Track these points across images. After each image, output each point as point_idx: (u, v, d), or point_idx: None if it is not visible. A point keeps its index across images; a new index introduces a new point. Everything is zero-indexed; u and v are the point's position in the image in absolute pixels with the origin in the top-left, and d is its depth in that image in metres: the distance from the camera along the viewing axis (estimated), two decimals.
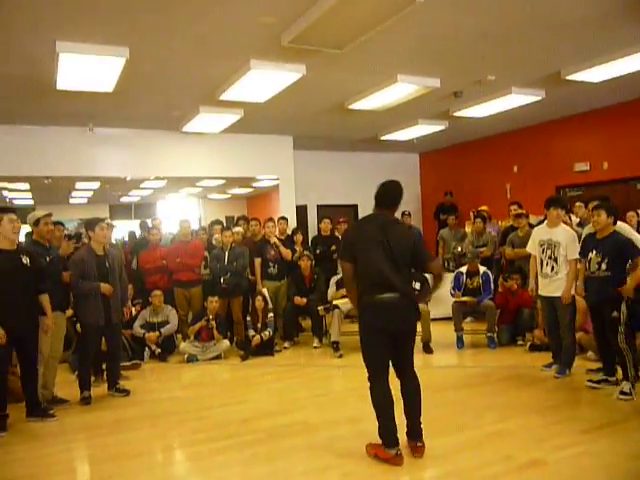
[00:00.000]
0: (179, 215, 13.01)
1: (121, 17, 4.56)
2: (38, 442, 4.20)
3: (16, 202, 15.71)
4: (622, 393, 4.54)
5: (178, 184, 13.29)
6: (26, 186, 12.06)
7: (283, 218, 8.24)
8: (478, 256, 7.32)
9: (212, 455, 3.81)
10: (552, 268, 5.28)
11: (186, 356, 6.65)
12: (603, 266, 4.63)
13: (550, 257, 5.29)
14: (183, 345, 6.78)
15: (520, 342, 6.71)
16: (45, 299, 4.67)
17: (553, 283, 5.28)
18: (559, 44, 5.74)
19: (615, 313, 4.59)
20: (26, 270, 4.48)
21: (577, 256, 5.15)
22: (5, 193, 13.55)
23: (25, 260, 4.50)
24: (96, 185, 12.41)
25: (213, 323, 6.73)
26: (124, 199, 16.85)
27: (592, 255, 4.73)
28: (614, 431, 3.94)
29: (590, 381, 4.90)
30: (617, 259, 4.61)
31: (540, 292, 5.45)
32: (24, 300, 4.46)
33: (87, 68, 5.35)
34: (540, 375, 5.44)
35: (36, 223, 5.09)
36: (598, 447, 3.67)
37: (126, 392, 5.35)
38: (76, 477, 3.86)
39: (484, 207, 9.19)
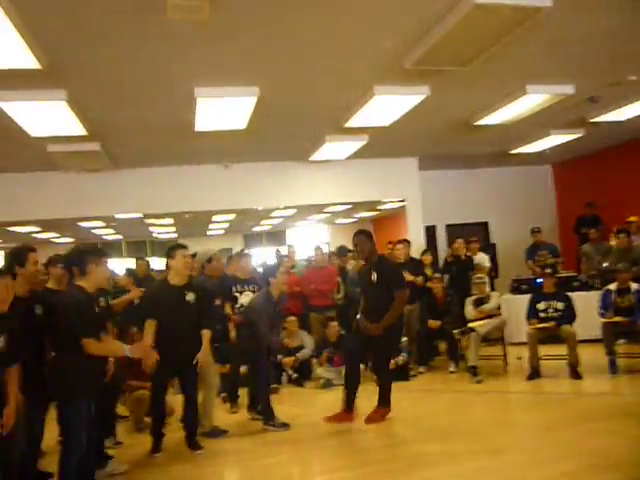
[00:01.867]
0: (308, 241, 13.41)
1: (252, 61, 4.85)
2: (189, 464, 4.44)
3: (161, 236, 17.11)
4: None
5: (306, 211, 13.71)
6: (170, 221, 13.10)
7: (406, 241, 8.15)
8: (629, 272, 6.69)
9: None
10: None
11: (322, 381, 6.73)
12: None
13: None
14: (319, 370, 6.88)
15: None
16: (206, 334, 4.73)
17: None
18: None
19: None
20: (190, 306, 4.62)
21: None
22: (151, 229, 14.79)
23: (190, 297, 4.63)
24: (231, 217, 13.17)
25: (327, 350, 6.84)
26: (256, 228, 17.69)
27: None
28: None
29: None
30: None
31: None
32: (186, 335, 4.59)
33: (222, 109, 5.72)
34: None
35: (209, 260, 5.45)
36: None
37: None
38: None
39: (634, 218, 8.40)
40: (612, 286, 6.52)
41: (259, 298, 5.43)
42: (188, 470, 4.31)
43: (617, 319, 6.21)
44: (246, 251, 7.38)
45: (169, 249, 4.73)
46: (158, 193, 8.78)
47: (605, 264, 7.75)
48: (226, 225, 15.58)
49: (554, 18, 4.41)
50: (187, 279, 4.73)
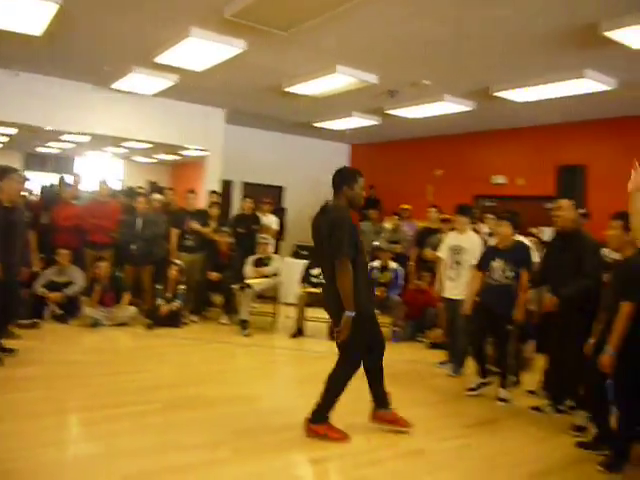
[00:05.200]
0: (99, 174, 12.57)
1: None
2: None
3: None
4: (501, 400, 4.75)
5: (102, 142, 12.80)
6: None
7: (215, 192, 8.26)
8: (391, 251, 7.58)
9: (105, 422, 3.76)
10: (456, 272, 5.55)
11: (90, 320, 6.47)
12: (508, 273, 4.73)
13: (456, 262, 5.55)
14: (88, 309, 6.59)
15: (420, 338, 7.03)
16: None
17: (455, 287, 5.51)
18: (493, 61, 6.02)
19: (509, 327, 4.75)
20: None
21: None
22: None
23: None
24: (13, 131, 11.72)
25: (97, 288, 6.61)
26: (42, 149, 16.00)
27: (495, 264, 4.81)
28: (493, 428, 4.25)
29: (470, 389, 4.96)
30: (519, 267, 4.73)
31: (443, 294, 5.72)
32: None
33: (15, 7, 5.03)
34: (435, 372, 5.73)
35: None
36: (477, 441, 3.95)
37: (11, 351, 5.08)
38: None
39: (407, 206, 9.44)
40: (376, 263, 7.31)
41: None
42: None
43: (377, 292, 6.98)
44: (21, 173, 6.62)
45: None
46: None
47: (376, 243, 8.61)
48: (5, 139, 13.83)
49: (371, 9, 4.74)
50: None
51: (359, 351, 3.75)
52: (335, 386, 3.78)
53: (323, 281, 6.91)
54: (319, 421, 3.75)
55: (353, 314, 3.53)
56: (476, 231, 6.12)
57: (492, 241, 5.99)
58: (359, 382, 3.84)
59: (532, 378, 5.21)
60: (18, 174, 5.04)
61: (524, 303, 4.77)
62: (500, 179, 9.67)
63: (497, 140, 9.83)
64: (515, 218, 4.96)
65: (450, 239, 5.78)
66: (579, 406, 4.27)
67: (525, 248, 4.97)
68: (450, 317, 5.70)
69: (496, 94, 6.89)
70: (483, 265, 4.97)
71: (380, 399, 3.95)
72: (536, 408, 4.59)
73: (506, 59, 5.91)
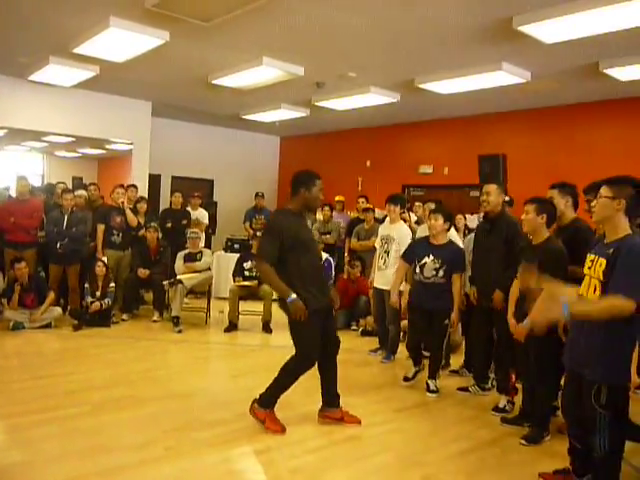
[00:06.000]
0: (18, 170, 11.97)
1: None
2: None
3: None
4: (431, 391, 4.75)
5: (20, 136, 12.20)
6: None
7: (134, 186, 7.99)
8: (323, 242, 7.66)
9: (32, 428, 3.62)
10: (384, 262, 5.59)
11: (11, 323, 6.18)
12: (440, 273, 4.65)
13: (386, 251, 5.62)
14: (8, 312, 6.28)
15: (354, 327, 7.14)
16: None
17: (384, 276, 5.53)
18: (416, 54, 6.15)
19: (446, 321, 4.69)
20: None
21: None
22: None
23: None
24: None
25: (17, 289, 6.32)
26: None
27: (428, 260, 4.70)
28: (422, 411, 4.40)
29: (406, 379, 4.96)
30: (452, 268, 4.68)
31: (373, 283, 5.80)
32: None
33: None
34: (367, 359, 5.85)
35: None
36: (407, 424, 4.07)
37: None
38: None
39: (341, 197, 9.53)
40: None
41: None
42: None
43: None
44: None
45: None
46: None
47: None
48: None
49: (290, 2, 4.73)
50: None
51: (311, 346, 3.74)
52: (284, 378, 3.80)
53: (257, 274, 7.01)
54: (264, 406, 3.79)
55: (293, 296, 3.58)
56: (404, 220, 6.24)
57: (421, 230, 6.13)
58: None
59: (460, 360, 5.43)
60: None
61: (459, 305, 4.75)
62: (427, 168, 9.93)
63: (423, 131, 10.09)
64: (447, 212, 4.88)
65: (381, 229, 5.88)
66: (500, 390, 4.45)
67: (459, 251, 4.84)
68: (379, 306, 5.76)
69: (420, 86, 7.06)
70: (409, 256, 4.93)
71: (329, 398, 3.98)
72: (463, 389, 4.79)
73: (429, 52, 6.06)
